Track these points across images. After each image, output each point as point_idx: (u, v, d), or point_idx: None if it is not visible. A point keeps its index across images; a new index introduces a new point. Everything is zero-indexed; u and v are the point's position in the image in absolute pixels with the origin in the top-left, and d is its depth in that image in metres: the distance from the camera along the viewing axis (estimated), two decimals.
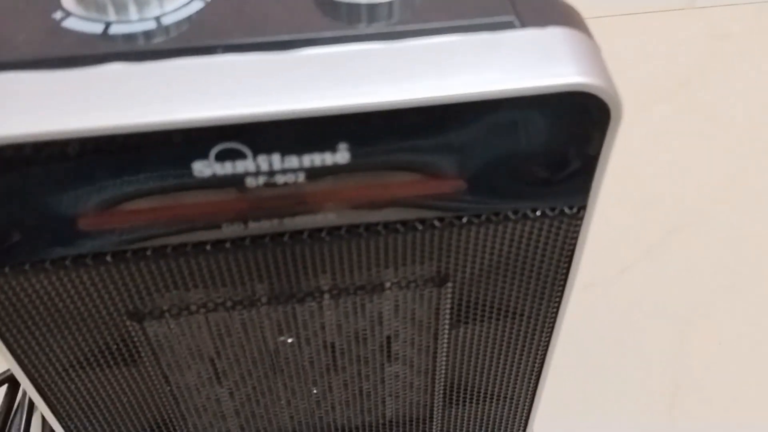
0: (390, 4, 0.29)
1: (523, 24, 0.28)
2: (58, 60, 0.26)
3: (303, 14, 0.29)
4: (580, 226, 0.32)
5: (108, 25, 0.27)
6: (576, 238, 0.32)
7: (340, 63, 0.27)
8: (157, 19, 0.28)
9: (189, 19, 0.28)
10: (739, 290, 0.68)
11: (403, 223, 0.31)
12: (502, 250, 0.33)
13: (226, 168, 0.27)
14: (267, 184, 0.28)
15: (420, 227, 0.31)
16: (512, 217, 0.31)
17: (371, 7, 0.29)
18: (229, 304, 0.33)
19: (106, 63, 0.26)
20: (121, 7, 0.28)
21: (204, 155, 0.27)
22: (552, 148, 0.29)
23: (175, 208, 0.29)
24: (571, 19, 0.29)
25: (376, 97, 0.26)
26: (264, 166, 0.28)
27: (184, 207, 0.29)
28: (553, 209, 0.31)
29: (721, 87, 0.83)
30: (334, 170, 0.28)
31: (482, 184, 0.30)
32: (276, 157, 0.28)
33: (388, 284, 0.33)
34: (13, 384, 0.53)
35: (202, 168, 0.27)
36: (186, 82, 0.26)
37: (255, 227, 0.30)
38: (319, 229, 0.31)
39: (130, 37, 0.27)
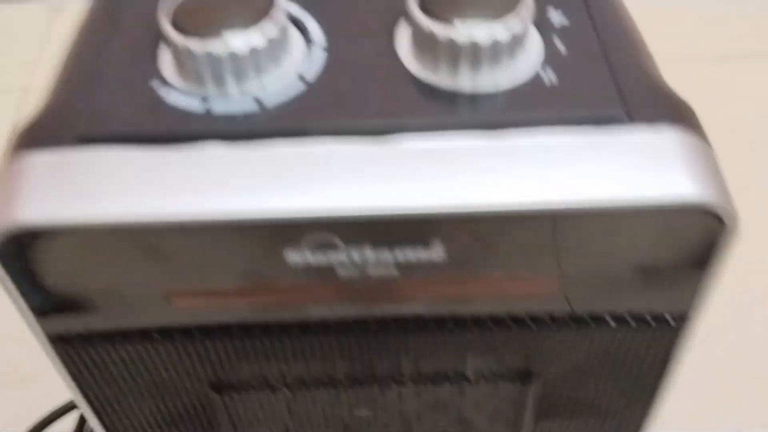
0: (493, 94, 0.28)
1: (632, 117, 0.27)
2: (158, 137, 0.26)
3: (405, 98, 0.28)
4: (682, 335, 0.30)
5: (207, 100, 0.27)
6: (677, 347, 0.30)
7: (440, 158, 0.26)
8: (258, 100, 0.27)
9: (289, 101, 0.28)
10: None
11: (494, 318, 0.30)
12: (596, 352, 0.31)
13: (318, 258, 0.27)
14: (357, 275, 0.28)
15: (511, 324, 0.30)
16: (610, 320, 0.30)
17: (474, 96, 0.28)
18: (308, 381, 0.33)
19: (206, 143, 0.26)
20: (219, 80, 0.28)
21: (296, 244, 0.27)
22: (658, 257, 0.28)
23: (263, 292, 0.28)
24: (682, 115, 0.28)
25: (477, 200, 0.25)
26: (356, 258, 0.27)
27: (273, 291, 0.28)
28: (654, 317, 0.30)
29: None
30: (427, 266, 0.28)
31: (581, 287, 0.29)
32: (368, 251, 0.27)
33: (471, 375, 0.32)
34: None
35: (293, 256, 0.27)
36: (284, 171, 0.26)
37: (341, 311, 0.30)
38: (406, 318, 0.30)
39: (230, 117, 0.27)
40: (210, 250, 0.26)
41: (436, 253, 0.27)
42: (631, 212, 0.26)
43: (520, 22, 0.27)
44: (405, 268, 0.27)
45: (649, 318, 0.30)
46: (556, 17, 0.30)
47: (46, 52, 0.74)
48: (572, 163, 0.26)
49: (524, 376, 0.32)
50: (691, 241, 0.27)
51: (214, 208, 0.25)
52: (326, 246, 0.27)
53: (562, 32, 0.30)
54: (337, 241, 0.26)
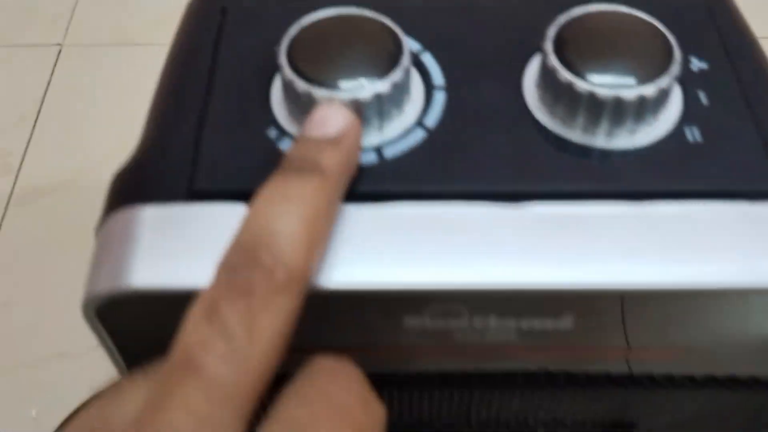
0: (632, 151, 0.26)
1: None
2: None
3: (534, 153, 0.25)
4: None
5: None
6: None
7: (580, 229, 0.24)
8: (378, 150, 0.25)
9: (410, 152, 0.25)
10: None
11: (609, 377, 0.28)
12: (705, 409, 0.30)
13: (437, 323, 0.25)
14: (474, 339, 0.26)
15: (625, 382, 0.28)
16: (726, 383, 0.29)
17: (610, 153, 0.26)
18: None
19: None
20: None
21: (418, 314, 0.25)
22: None
23: (371, 349, 0.27)
24: None
25: (621, 278, 0.23)
26: (477, 325, 0.26)
27: (382, 348, 0.27)
28: None
29: None
30: (552, 334, 0.26)
31: (707, 355, 0.27)
32: (492, 319, 0.25)
33: (572, 425, 0.31)
34: None
35: (411, 322, 0.25)
36: (408, 237, 0.24)
37: (453, 365, 0.28)
38: (514, 372, 0.29)
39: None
40: (325, 315, 0.25)
41: (563, 323, 0.26)
42: None
43: (669, 76, 0.25)
44: (526, 333, 0.26)
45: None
46: (695, 61, 0.28)
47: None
48: (722, 236, 0.24)
49: (627, 428, 0.31)
50: None
51: (336, 279, 0.23)
52: (449, 315, 0.25)
53: (702, 78, 0.27)
54: (463, 310, 0.25)
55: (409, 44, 0.28)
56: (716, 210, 0.24)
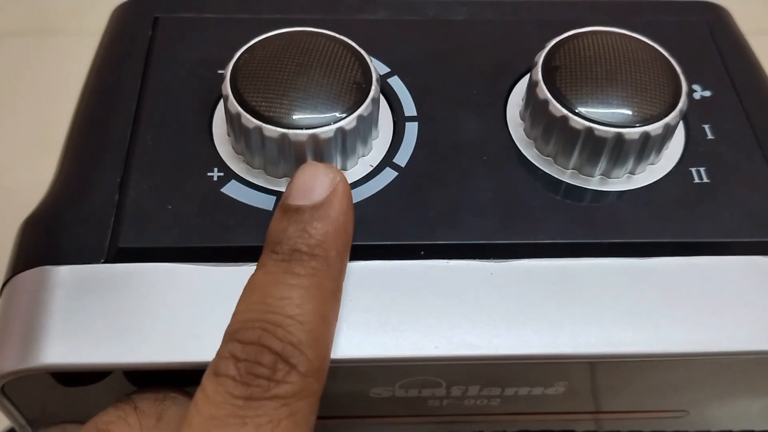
0: (635, 193, 0.22)
1: None
2: (217, 250, 0.20)
3: (520, 193, 0.22)
4: None
5: (279, 194, 0.21)
6: None
7: (575, 290, 0.20)
8: None
9: (378, 196, 0.22)
10: None
11: None
12: None
13: (411, 393, 0.22)
14: (451, 405, 0.23)
15: None
16: None
17: (607, 195, 0.22)
18: None
19: None
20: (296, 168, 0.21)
21: (388, 386, 0.21)
22: None
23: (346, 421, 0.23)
24: None
25: (618, 347, 0.20)
26: (456, 393, 0.22)
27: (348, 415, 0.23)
28: None
29: None
30: (540, 399, 0.23)
31: (708, 413, 0.25)
32: (474, 388, 0.22)
33: None
34: None
35: (381, 392, 0.22)
36: (374, 303, 0.20)
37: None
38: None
39: None
40: None
41: (555, 390, 0.22)
42: None
43: (677, 111, 0.22)
44: (510, 400, 0.23)
45: None
46: (698, 89, 0.25)
47: None
48: (733, 301, 0.21)
49: None
50: None
51: None
52: (424, 386, 0.21)
53: (706, 108, 0.24)
54: (441, 382, 0.21)
55: (376, 67, 0.24)
56: (727, 265, 0.21)
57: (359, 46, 0.24)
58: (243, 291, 0.19)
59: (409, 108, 0.24)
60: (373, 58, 0.24)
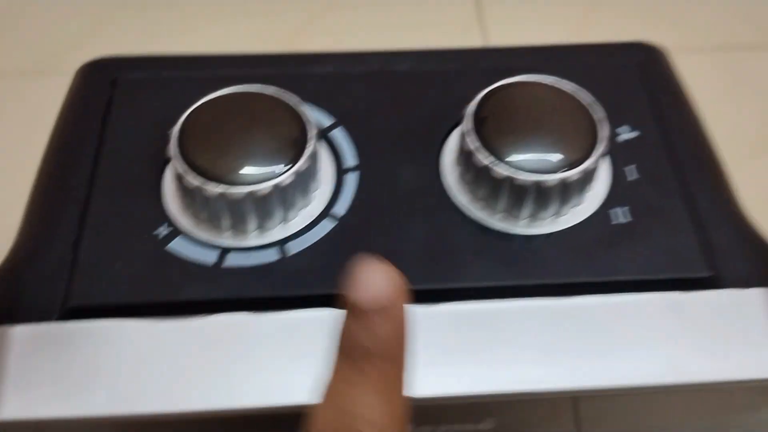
0: (560, 235, 0.24)
1: (721, 281, 0.23)
2: (164, 305, 0.22)
3: (451, 239, 0.23)
4: None
5: (225, 253, 0.23)
6: None
7: (500, 330, 0.22)
8: (281, 246, 0.23)
9: (316, 247, 0.23)
10: None
11: None
12: None
13: None
14: None
15: None
16: None
17: (533, 239, 0.24)
18: None
19: (220, 314, 0.22)
20: (238, 223, 0.23)
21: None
22: (742, 416, 0.25)
23: None
24: None
25: (539, 383, 0.21)
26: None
27: None
28: None
29: None
30: None
31: None
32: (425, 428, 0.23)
33: None
34: None
35: None
36: (301, 350, 0.21)
37: None
38: None
39: (248, 274, 0.23)
40: None
41: (485, 425, 0.24)
42: (717, 389, 0.22)
43: (593, 158, 0.23)
44: None
45: None
46: (624, 131, 0.26)
47: None
48: (648, 337, 0.22)
49: None
50: None
51: (219, 403, 0.21)
52: None
53: (631, 150, 0.26)
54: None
55: (320, 119, 0.26)
56: (644, 303, 0.23)
57: (306, 100, 0.26)
58: (324, 390, 0.20)
59: (351, 159, 0.25)
60: (318, 111, 0.26)
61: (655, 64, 0.28)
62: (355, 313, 0.21)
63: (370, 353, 0.20)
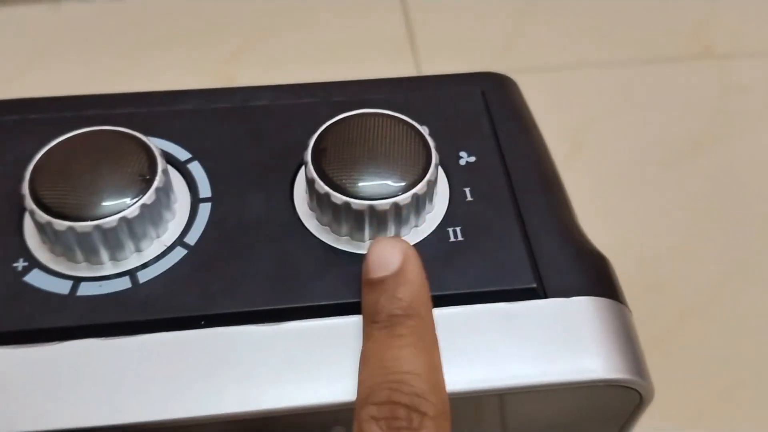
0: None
1: (546, 291, 0.25)
2: (18, 333, 0.23)
3: (297, 262, 0.25)
4: None
5: (77, 282, 0.24)
6: None
7: (333, 348, 0.23)
8: (132, 275, 0.24)
9: (167, 273, 0.25)
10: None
11: None
12: None
13: None
14: None
15: None
16: None
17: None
18: None
19: (74, 339, 0.23)
20: (90, 255, 0.24)
21: None
22: (572, 421, 0.26)
23: None
24: (597, 279, 0.26)
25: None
26: None
27: None
28: None
29: (739, 149, 0.74)
30: None
31: None
32: None
33: None
34: None
35: None
36: (166, 372, 0.23)
37: None
38: None
39: (100, 302, 0.24)
40: None
41: None
42: (543, 391, 0.24)
43: (424, 182, 0.25)
44: None
45: None
46: (464, 156, 0.28)
47: None
48: (477, 345, 0.24)
49: None
50: (607, 410, 0.26)
51: (75, 421, 0.22)
52: None
53: (469, 173, 0.28)
54: None
55: (178, 154, 0.27)
56: (474, 313, 0.24)
57: (164, 136, 0.27)
58: (361, 362, 0.23)
59: (205, 190, 0.27)
60: (176, 146, 0.28)
61: (501, 93, 0.31)
62: (374, 285, 0.23)
63: (396, 316, 0.22)
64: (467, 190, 0.27)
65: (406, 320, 0.22)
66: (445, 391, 0.22)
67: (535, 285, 0.25)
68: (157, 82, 0.32)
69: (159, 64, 0.54)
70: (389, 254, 0.23)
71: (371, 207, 0.24)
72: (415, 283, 0.23)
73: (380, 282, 0.23)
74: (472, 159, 0.28)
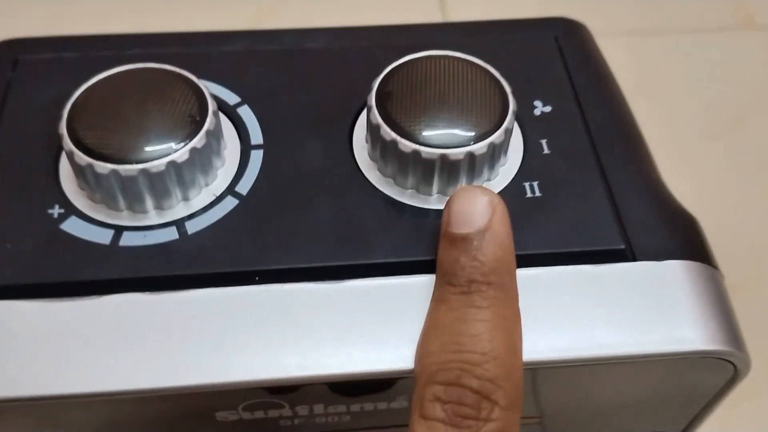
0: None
1: (635, 253, 0.23)
2: (54, 285, 0.21)
3: (358, 216, 0.23)
4: None
5: (119, 232, 0.22)
6: None
7: (409, 305, 0.21)
8: (180, 225, 0.22)
9: (217, 225, 0.22)
10: None
11: None
12: None
13: (257, 416, 0.22)
14: (308, 424, 0.23)
15: None
16: None
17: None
18: None
19: (116, 293, 0.21)
20: (134, 202, 0.22)
21: (231, 408, 0.22)
22: (659, 395, 0.24)
23: None
24: (692, 242, 0.24)
25: None
26: (303, 413, 0.23)
27: None
28: None
29: None
30: (388, 413, 0.23)
31: (562, 421, 0.25)
32: (319, 407, 0.23)
33: None
34: None
35: (225, 415, 0.22)
36: (210, 330, 0.21)
37: None
38: None
39: (145, 253, 0.22)
40: (137, 416, 0.22)
41: (399, 404, 0.23)
42: (631, 362, 0.22)
43: (502, 130, 0.22)
44: (361, 415, 0.23)
45: None
46: (539, 105, 0.26)
47: None
48: (561, 309, 0.21)
49: None
50: (697, 383, 0.23)
51: (135, 380, 0.20)
52: (268, 407, 0.22)
53: (545, 124, 0.25)
54: (283, 403, 0.22)
55: (226, 97, 0.25)
56: (555, 276, 0.22)
57: (212, 78, 0.25)
58: (431, 329, 0.20)
59: (256, 136, 0.24)
60: (224, 89, 0.25)
61: (574, 39, 0.28)
62: (455, 241, 0.20)
63: (477, 282, 0.19)
64: (544, 142, 0.25)
65: (487, 289, 0.19)
66: (521, 376, 0.20)
67: (623, 246, 0.22)
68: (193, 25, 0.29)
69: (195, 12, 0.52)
70: (477, 207, 0.20)
71: (443, 156, 0.22)
72: (503, 246, 0.20)
73: (463, 239, 0.20)
74: (548, 109, 0.26)
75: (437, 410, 0.18)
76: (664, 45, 0.58)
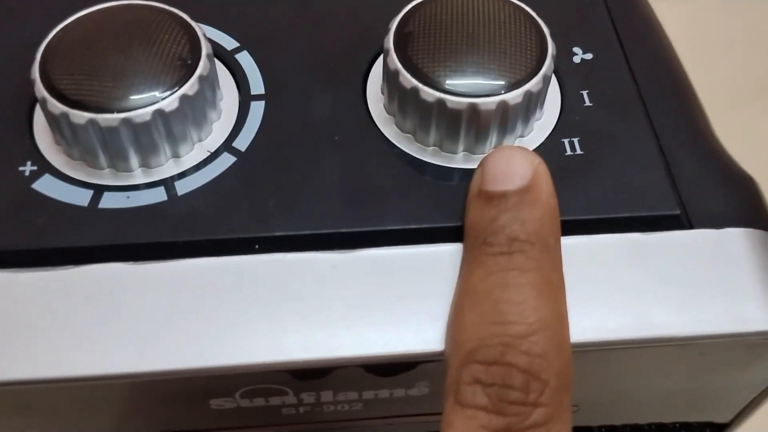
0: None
1: (691, 220, 0.20)
2: (24, 253, 0.18)
3: (373, 175, 0.20)
4: None
5: (99, 192, 0.19)
6: None
7: (430, 281, 0.18)
8: (168, 185, 0.19)
9: (211, 185, 0.20)
10: None
11: None
12: None
13: (257, 403, 0.20)
14: (315, 413, 0.21)
15: None
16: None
17: (469, 173, 0.20)
18: None
19: (94, 263, 0.18)
20: (116, 158, 0.19)
21: (229, 395, 0.19)
22: (714, 379, 0.21)
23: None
24: (754, 207, 0.21)
25: None
26: (309, 400, 0.20)
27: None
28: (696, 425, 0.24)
29: None
30: (406, 401, 0.21)
31: (598, 409, 0.23)
32: (327, 394, 0.20)
33: None
34: None
35: (221, 402, 0.20)
36: (201, 305, 0.18)
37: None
38: None
39: (128, 216, 0.19)
40: (124, 402, 0.19)
41: (418, 390, 0.20)
42: (686, 344, 0.19)
43: (539, 78, 0.19)
44: (374, 403, 0.21)
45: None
46: (578, 52, 0.23)
47: None
48: (608, 283, 0.19)
49: None
50: (758, 367, 0.21)
51: (121, 363, 0.17)
52: (268, 394, 0.19)
53: (586, 73, 0.22)
54: (286, 389, 0.19)
55: (222, 41, 0.22)
56: (601, 244, 0.19)
57: (206, 21, 0.22)
58: (464, 298, 0.17)
59: (257, 86, 0.21)
60: (220, 33, 0.22)
61: None
62: (492, 199, 0.17)
63: (519, 240, 0.17)
64: (584, 93, 0.22)
65: (530, 249, 0.16)
66: (570, 351, 0.17)
67: (678, 212, 0.19)
68: None
69: None
70: (517, 164, 0.17)
71: (472, 106, 0.19)
72: (548, 206, 0.17)
73: (502, 195, 0.17)
74: (589, 56, 0.22)
75: (478, 395, 0.16)
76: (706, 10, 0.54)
